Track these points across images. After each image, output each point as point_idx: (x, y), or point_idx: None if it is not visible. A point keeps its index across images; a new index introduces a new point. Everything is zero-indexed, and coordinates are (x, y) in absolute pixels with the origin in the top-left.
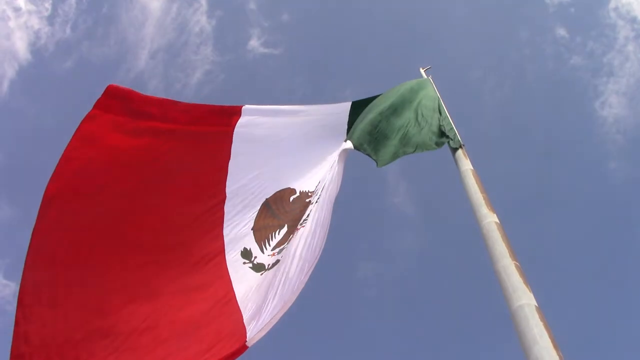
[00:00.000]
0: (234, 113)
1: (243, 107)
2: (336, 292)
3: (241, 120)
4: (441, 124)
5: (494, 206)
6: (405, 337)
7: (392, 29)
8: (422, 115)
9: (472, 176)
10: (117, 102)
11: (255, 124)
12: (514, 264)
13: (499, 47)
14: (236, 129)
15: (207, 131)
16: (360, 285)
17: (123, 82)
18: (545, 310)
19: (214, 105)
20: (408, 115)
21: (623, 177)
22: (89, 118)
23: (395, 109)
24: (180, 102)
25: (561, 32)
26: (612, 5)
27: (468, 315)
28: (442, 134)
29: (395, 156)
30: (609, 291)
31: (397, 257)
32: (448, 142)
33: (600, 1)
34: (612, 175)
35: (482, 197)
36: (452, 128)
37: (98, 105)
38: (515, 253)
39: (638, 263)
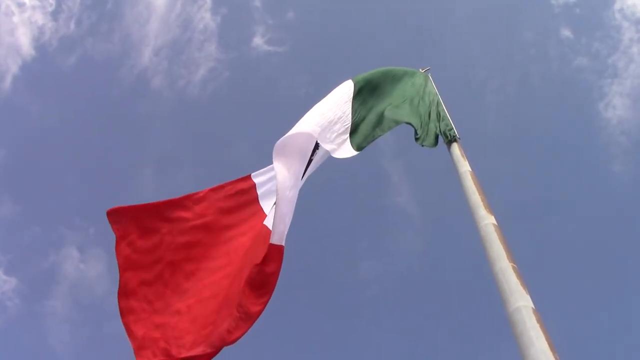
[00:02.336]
0: (247, 183)
1: (252, 175)
2: (337, 291)
3: (257, 184)
4: (423, 117)
5: (493, 207)
6: (405, 336)
7: (397, 28)
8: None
9: (470, 178)
10: (129, 221)
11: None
12: (512, 265)
13: (504, 47)
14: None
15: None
16: (361, 284)
17: (126, 78)
18: (542, 313)
19: (225, 185)
20: (382, 106)
21: (626, 179)
22: (119, 253)
23: (366, 102)
24: (192, 194)
25: (566, 33)
26: (617, 6)
27: (468, 316)
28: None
29: (364, 142)
30: (610, 294)
31: (399, 256)
32: (445, 135)
33: (606, 2)
34: (616, 177)
35: (480, 199)
36: (449, 122)
37: (116, 231)
38: (513, 255)
39: None
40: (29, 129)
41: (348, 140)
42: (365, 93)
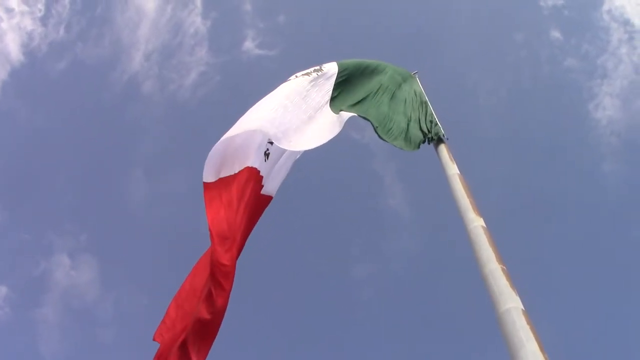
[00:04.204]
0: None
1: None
2: (330, 293)
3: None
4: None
5: (483, 210)
6: (398, 337)
7: (389, 31)
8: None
9: (458, 181)
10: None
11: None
12: (501, 267)
13: (494, 49)
14: None
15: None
16: (354, 286)
17: (117, 83)
18: (532, 314)
19: None
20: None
21: (617, 179)
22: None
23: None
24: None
25: (555, 34)
26: (605, 7)
27: (460, 317)
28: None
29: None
30: (601, 294)
31: (392, 258)
32: (431, 136)
33: (594, 4)
34: (606, 178)
35: (468, 202)
36: (436, 123)
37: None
38: (502, 257)
39: (631, 266)
40: (18, 135)
41: (329, 109)
42: (346, 78)
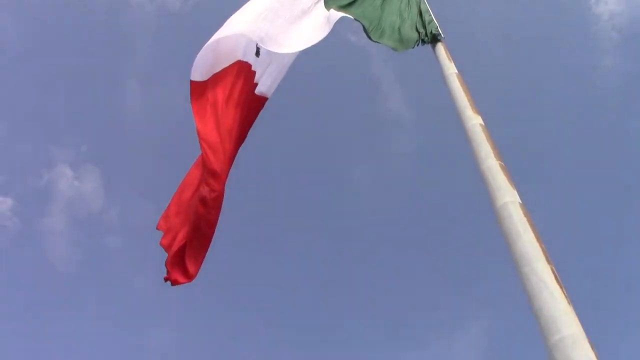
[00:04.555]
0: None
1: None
2: (332, 196)
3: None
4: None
5: (481, 107)
6: (400, 236)
7: None
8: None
9: (456, 79)
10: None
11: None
12: (499, 163)
13: None
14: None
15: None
16: (355, 187)
17: None
18: (528, 207)
19: None
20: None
21: (618, 74)
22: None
23: None
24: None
25: None
26: None
27: (461, 212)
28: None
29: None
30: (598, 187)
31: (392, 159)
32: (426, 35)
33: None
34: (607, 72)
35: (466, 100)
36: (431, 20)
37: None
38: (500, 153)
39: (629, 158)
40: (9, 50)
41: (321, 8)
42: None
